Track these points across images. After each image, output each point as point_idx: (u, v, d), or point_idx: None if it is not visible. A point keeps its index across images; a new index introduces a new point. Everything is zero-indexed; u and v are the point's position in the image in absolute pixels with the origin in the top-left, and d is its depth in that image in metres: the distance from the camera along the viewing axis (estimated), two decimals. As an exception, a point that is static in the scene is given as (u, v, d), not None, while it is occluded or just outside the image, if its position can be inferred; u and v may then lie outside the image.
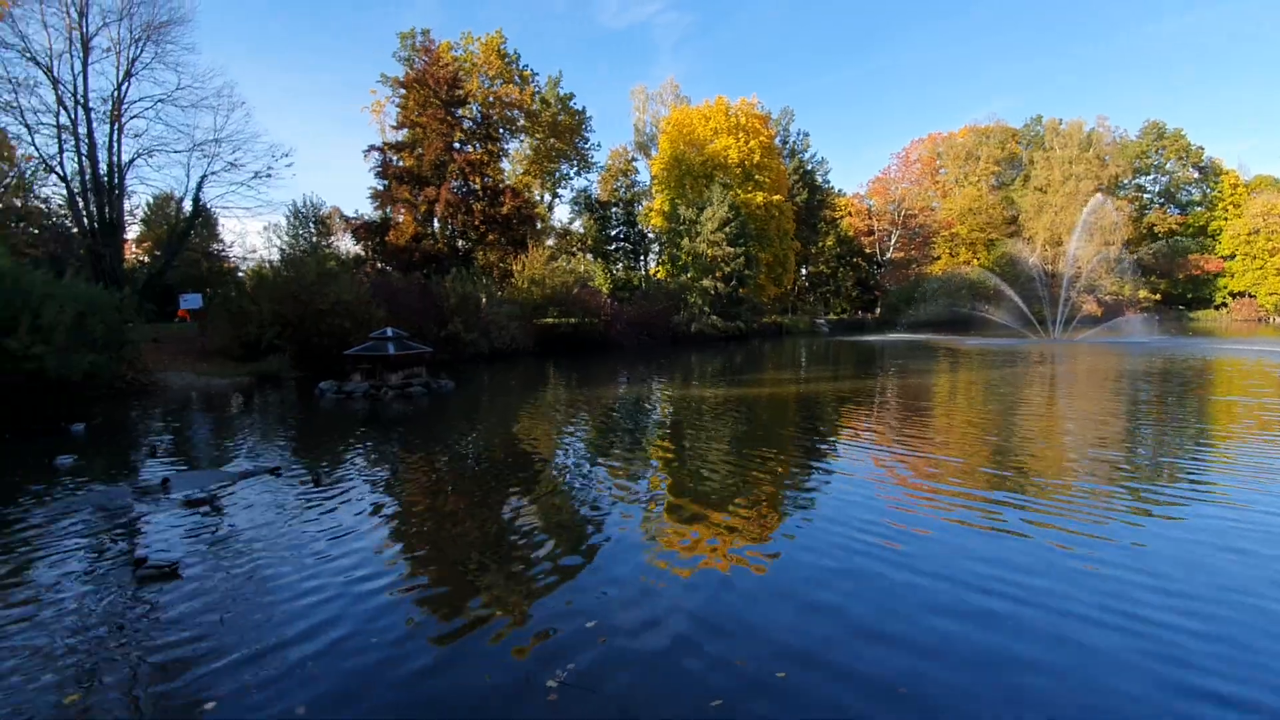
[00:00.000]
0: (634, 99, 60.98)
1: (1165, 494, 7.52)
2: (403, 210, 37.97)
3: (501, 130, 44.53)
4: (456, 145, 39.01)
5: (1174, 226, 71.24)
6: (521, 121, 48.39)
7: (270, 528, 6.61)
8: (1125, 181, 69.11)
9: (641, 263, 60.74)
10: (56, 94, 25.41)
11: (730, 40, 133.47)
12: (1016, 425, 12.37)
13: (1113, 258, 59.41)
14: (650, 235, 57.89)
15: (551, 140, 51.33)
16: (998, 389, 17.85)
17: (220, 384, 19.73)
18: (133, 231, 35.61)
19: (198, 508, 7.31)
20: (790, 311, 60.23)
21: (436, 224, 39.02)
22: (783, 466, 9.25)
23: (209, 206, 31.31)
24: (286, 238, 41.24)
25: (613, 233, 58.78)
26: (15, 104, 24.64)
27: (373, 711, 3.59)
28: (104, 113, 26.80)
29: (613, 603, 4.89)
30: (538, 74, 48.81)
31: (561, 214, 77.71)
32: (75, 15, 25.28)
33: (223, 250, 37.24)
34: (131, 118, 27.59)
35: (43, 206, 27.99)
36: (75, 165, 26.46)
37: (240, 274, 32.88)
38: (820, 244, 66.44)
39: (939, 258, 68.44)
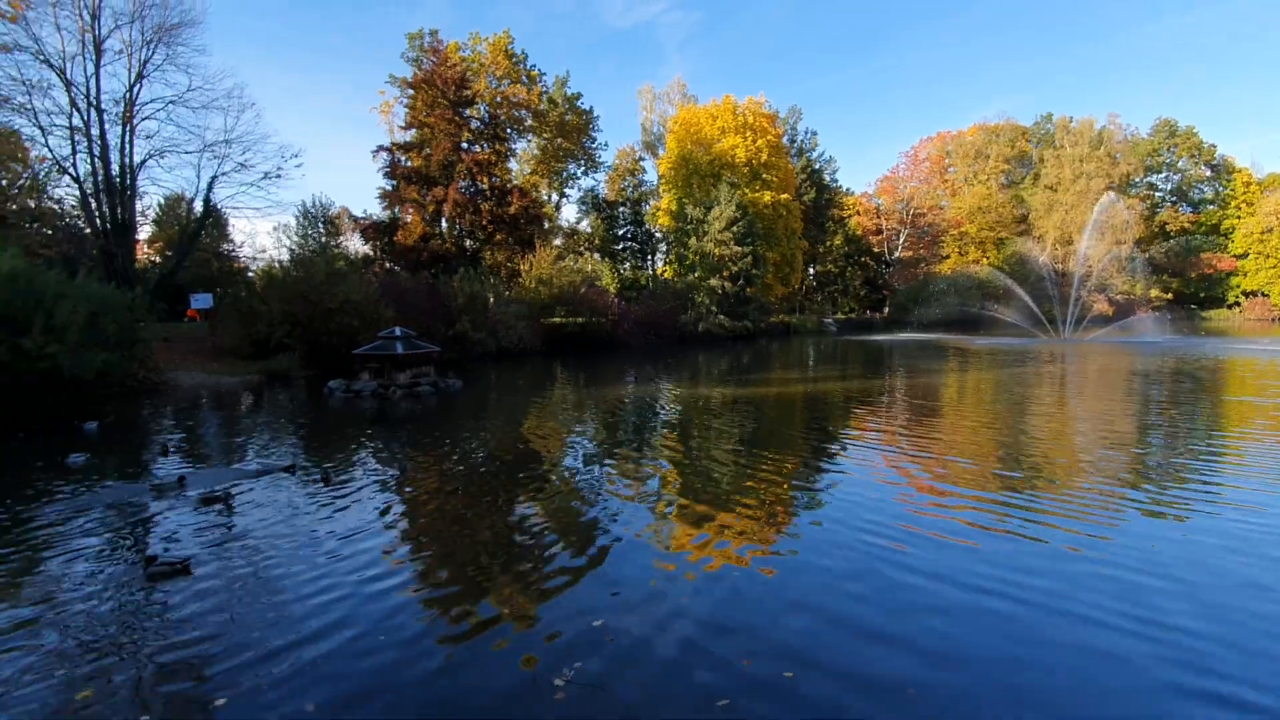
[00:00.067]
0: (641, 98, 61.11)
1: (1177, 496, 7.45)
2: (411, 210, 38.13)
3: (509, 130, 44.67)
4: (464, 145, 39.13)
5: (1186, 225, 70.60)
6: (529, 121, 48.52)
7: (282, 526, 6.65)
8: (1137, 180, 68.54)
9: (649, 262, 60.76)
10: (70, 96, 25.66)
11: (736, 39, 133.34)
12: (1026, 426, 12.29)
13: (1124, 256, 58.95)
14: (657, 235, 57.90)
15: (559, 140, 51.43)
16: (1008, 389, 17.74)
17: (230, 383, 19.87)
18: (144, 232, 35.97)
19: (213, 505, 7.37)
20: (798, 311, 60.12)
21: (444, 224, 39.17)
22: (790, 467, 9.23)
23: (219, 207, 31.56)
24: (296, 238, 41.34)
25: (620, 232, 58.81)
26: (29, 106, 24.91)
27: (383, 710, 3.61)
28: (116, 114, 27.06)
29: (620, 603, 4.90)
30: (545, 74, 49.02)
31: (569, 214, 77.98)
32: (88, 18, 25.52)
33: (233, 250, 37.50)
34: (143, 119, 27.85)
35: (56, 208, 28.23)
36: (88, 166, 26.73)
37: (250, 274, 33.14)
38: (828, 243, 66.25)
39: (948, 257, 68.10)
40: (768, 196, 49.37)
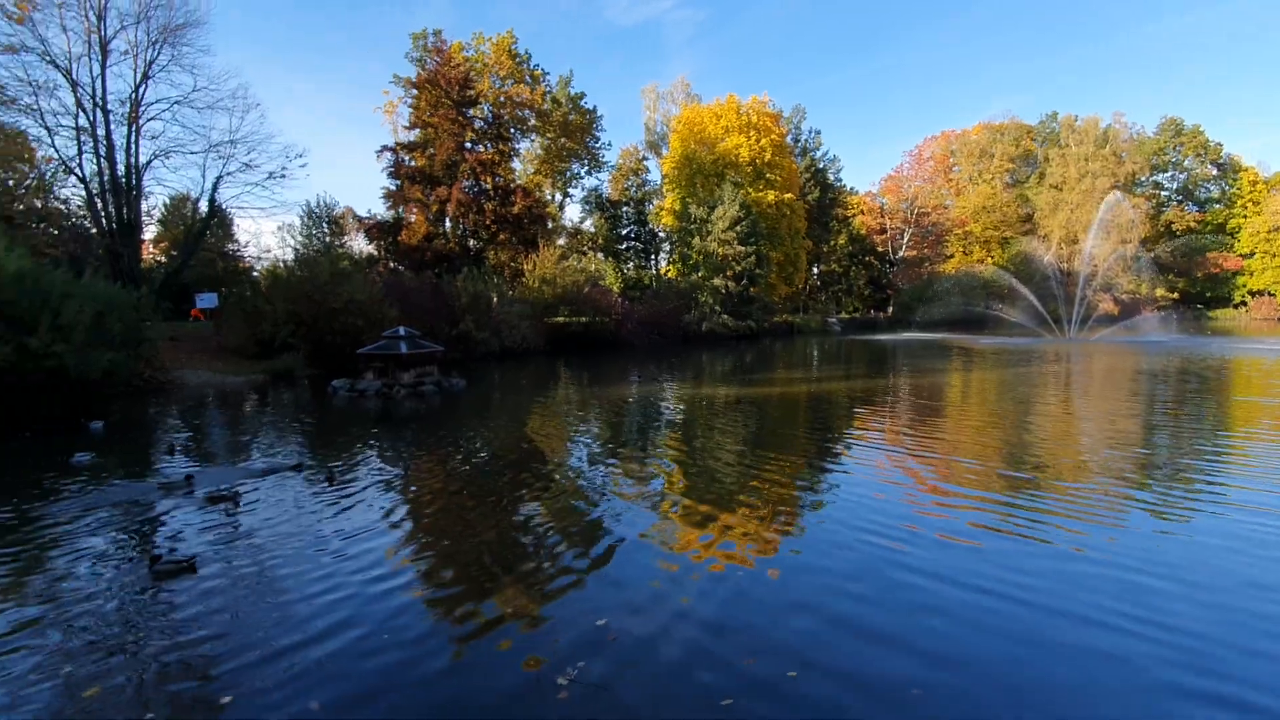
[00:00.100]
0: (645, 98, 61.13)
1: (1182, 496, 7.42)
2: (415, 210, 38.20)
3: (512, 130, 44.69)
4: (468, 145, 39.19)
5: (1192, 224, 70.24)
6: (532, 121, 48.57)
7: (288, 525, 6.68)
8: (1142, 178, 68.19)
9: (652, 262, 60.73)
10: (76, 97, 25.76)
11: (741, 37, 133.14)
12: (1031, 426, 12.26)
13: (1129, 256, 58.70)
14: (661, 234, 57.88)
15: (562, 140, 51.47)
16: (1012, 389, 17.70)
17: (235, 382, 19.95)
18: (150, 232, 35.98)
19: (220, 504, 7.41)
20: (802, 310, 60.07)
21: (448, 223, 39.23)
22: (794, 467, 9.23)
23: (224, 207, 31.64)
24: (300, 238, 41.63)
25: (623, 232, 58.80)
26: (36, 106, 25.01)
27: (388, 711, 3.62)
28: (122, 115, 27.15)
29: (624, 602, 4.91)
30: (549, 73, 49.03)
31: (572, 213, 77.76)
32: (94, 19, 25.61)
33: (238, 250, 37.64)
34: (149, 119, 27.93)
35: (62, 207, 28.38)
36: (94, 167, 26.83)
37: (255, 274, 33.20)
38: (832, 242, 66.12)
39: (952, 256, 67.92)
40: (771, 196, 49.31)
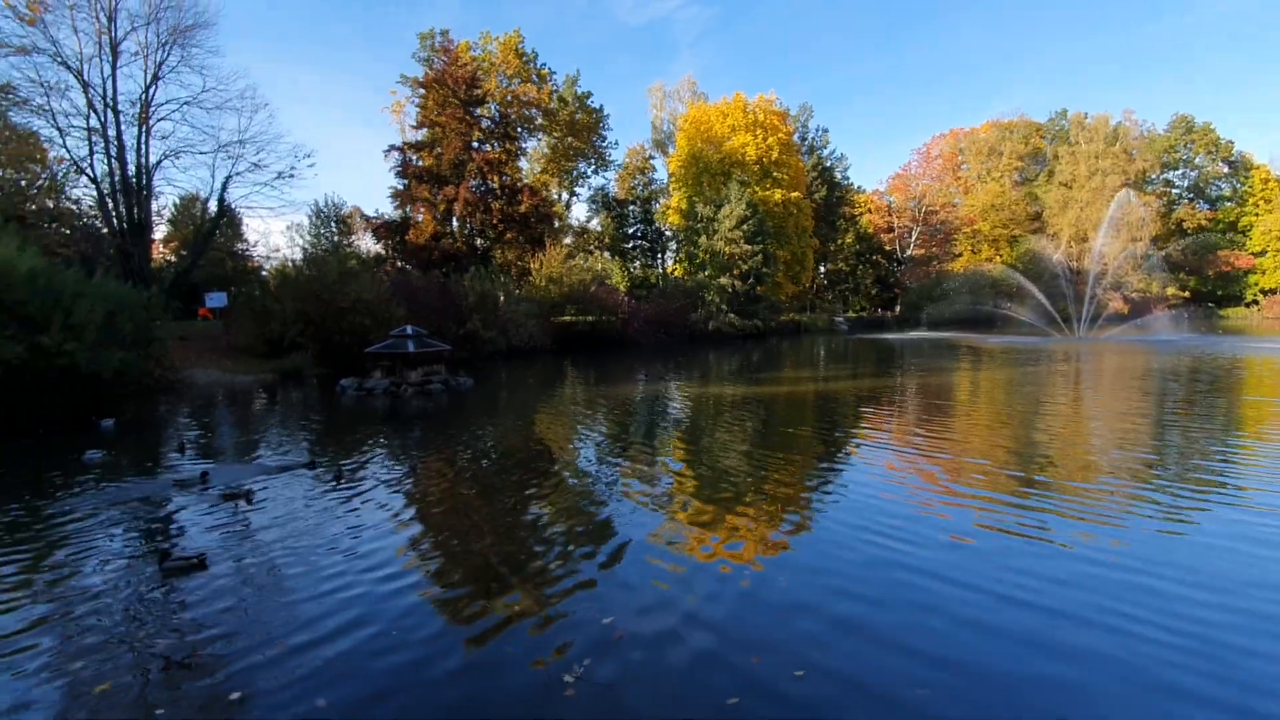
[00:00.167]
0: (651, 96, 61.08)
1: (1193, 497, 7.35)
2: (422, 209, 38.35)
3: (519, 129, 44.78)
4: (475, 144, 39.30)
5: (1203, 222, 69.58)
6: (539, 120, 48.60)
7: (298, 523, 6.71)
8: (1153, 176, 67.63)
9: (659, 261, 60.74)
10: (87, 97, 26.02)
11: (748, 36, 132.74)
12: (1040, 425, 12.19)
13: (1140, 254, 58.21)
14: (667, 233, 57.88)
15: (569, 139, 51.52)
16: (1021, 388, 17.59)
17: (245, 381, 20.08)
18: (160, 231, 36.38)
19: (234, 501, 7.47)
20: (808, 309, 59.93)
21: (455, 223, 39.35)
22: (801, 467, 9.21)
23: (233, 207, 31.91)
24: (309, 237, 41.86)
25: (630, 231, 58.84)
26: (48, 107, 25.31)
27: (396, 709, 3.63)
28: (132, 115, 27.41)
29: (631, 602, 4.90)
30: (555, 73, 49.11)
31: (579, 212, 77.77)
32: (104, 20, 25.85)
33: (247, 249, 37.91)
34: (159, 120, 28.21)
35: (74, 207, 28.66)
36: (105, 167, 27.11)
37: (264, 273, 33.47)
38: (839, 241, 65.95)
39: (961, 255, 67.56)
40: (778, 194, 49.20)
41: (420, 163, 38.74)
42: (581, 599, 4.96)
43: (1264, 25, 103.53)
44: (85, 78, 25.76)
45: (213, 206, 31.53)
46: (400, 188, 38.86)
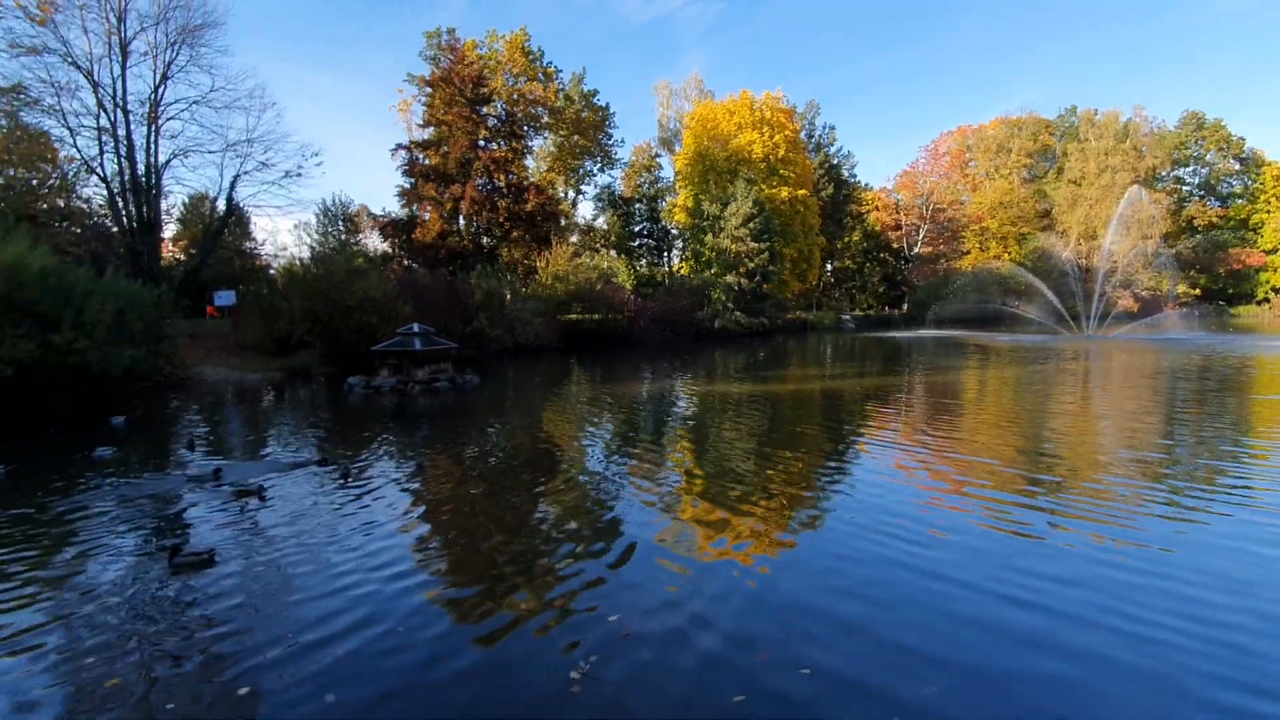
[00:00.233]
0: (658, 94, 60.98)
1: (1203, 497, 7.30)
2: (429, 208, 38.44)
3: (526, 127, 44.78)
4: (481, 143, 39.33)
5: (1214, 219, 68.98)
6: (545, 118, 48.64)
7: (307, 520, 6.75)
8: (1163, 173, 67.07)
9: (665, 259, 60.67)
10: (97, 97, 26.15)
11: (754, 33, 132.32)
12: (1048, 425, 12.13)
13: (1150, 252, 57.75)
14: (674, 231, 57.77)
15: (575, 137, 51.51)
16: (1029, 387, 17.51)
17: (253, 378, 20.20)
18: (169, 230, 36.49)
19: (247, 498, 7.52)
20: (815, 307, 59.74)
21: (462, 221, 39.43)
22: (807, 466, 9.20)
23: (242, 205, 32.00)
24: (316, 236, 42.01)
25: (636, 229, 58.76)
26: (58, 107, 25.43)
27: (404, 708, 3.65)
28: (142, 115, 27.54)
29: (638, 603, 4.91)
30: (561, 71, 49.09)
31: (585, 210, 78.01)
32: (114, 20, 25.98)
33: (255, 248, 38.09)
34: (168, 119, 28.32)
35: (84, 206, 28.81)
36: (115, 166, 27.24)
37: (272, 271, 33.61)
38: (846, 239, 65.69)
39: (968, 252, 67.15)
40: (785, 192, 49.07)
41: (427, 161, 38.82)
42: (589, 598, 4.97)
43: (1276, 20, 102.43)
44: (95, 78, 25.91)
45: (221, 205, 31.69)
46: (407, 186, 38.97)
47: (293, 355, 22.06)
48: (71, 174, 27.91)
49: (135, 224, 27.31)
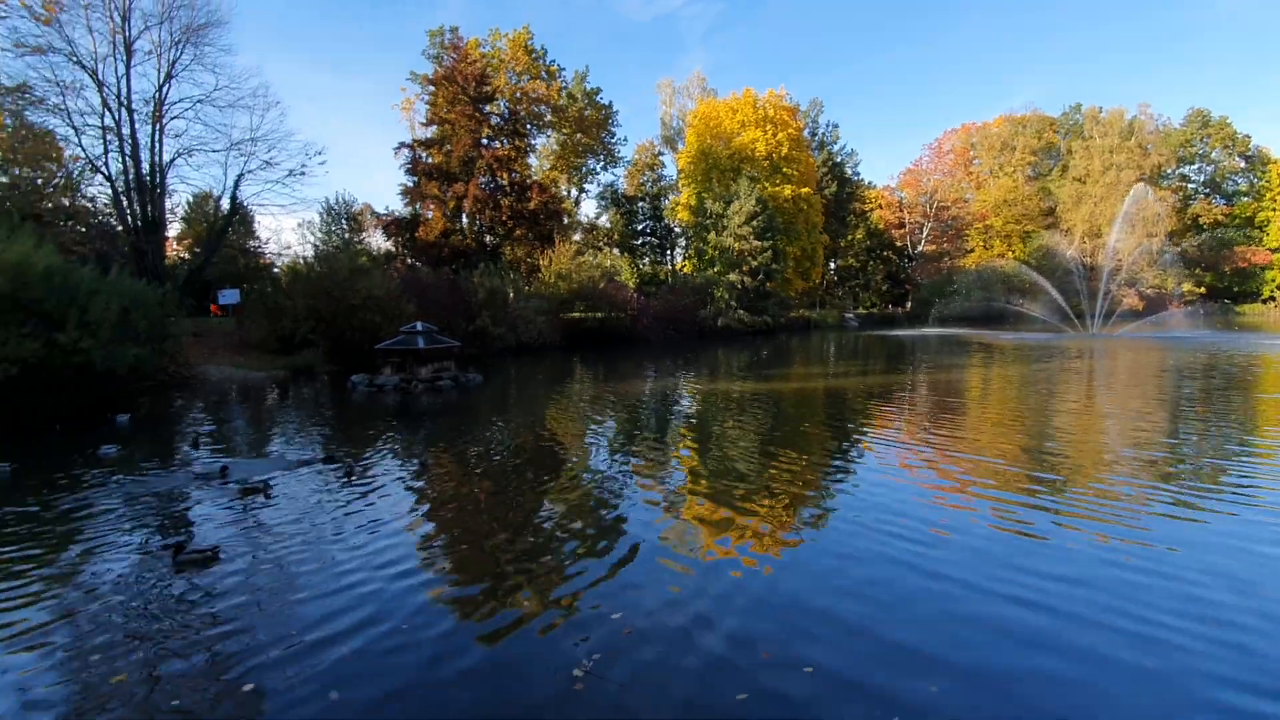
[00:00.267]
0: (660, 92, 60.92)
1: (1208, 497, 7.27)
2: (432, 206, 38.47)
3: (529, 126, 44.79)
4: (484, 141, 39.35)
5: (1219, 217, 68.69)
6: (548, 117, 48.64)
7: (311, 518, 6.76)
8: (1168, 171, 66.83)
9: (668, 257, 60.66)
10: (101, 96, 26.23)
11: (757, 31, 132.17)
12: (1052, 423, 12.09)
13: (1155, 250, 57.52)
14: (677, 229, 57.76)
15: (578, 135, 51.51)
16: (1033, 385, 17.46)
17: (257, 377, 20.24)
18: (173, 229, 36.68)
19: (253, 495, 7.55)
20: (818, 306, 59.68)
21: (465, 219, 39.45)
22: (810, 465, 9.19)
23: (246, 204, 32.10)
24: (320, 234, 42.13)
25: (639, 227, 58.75)
26: (63, 106, 25.54)
27: (408, 706, 3.66)
28: (146, 114, 27.63)
29: (641, 602, 4.91)
30: (564, 69, 49.10)
31: (588, 209, 78.02)
32: (118, 19, 26.05)
33: (259, 247, 38.15)
34: (172, 118, 28.40)
35: (89, 205, 28.92)
36: (119, 165, 27.34)
37: (276, 270, 33.68)
38: (849, 237, 65.61)
39: (972, 250, 67.01)
40: (788, 190, 48.99)
41: (430, 160, 38.85)
42: (592, 597, 4.97)
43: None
44: (100, 77, 26.00)
45: (225, 204, 31.78)
46: (410, 185, 39.00)
47: (296, 354, 22.10)
48: (76, 173, 28.03)
49: (140, 223, 27.40)
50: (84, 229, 27.80)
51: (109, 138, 26.73)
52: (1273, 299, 67.97)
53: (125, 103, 26.65)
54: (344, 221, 43.16)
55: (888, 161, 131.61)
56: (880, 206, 69.10)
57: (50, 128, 26.77)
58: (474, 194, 37.33)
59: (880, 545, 5.90)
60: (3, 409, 12.57)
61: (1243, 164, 69.81)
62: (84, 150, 26.86)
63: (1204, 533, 6.12)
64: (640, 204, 58.25)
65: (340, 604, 4.82)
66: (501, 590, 5.13)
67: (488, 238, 40.04)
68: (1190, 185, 70.74)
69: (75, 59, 25.28)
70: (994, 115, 73.39)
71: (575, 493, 7.94)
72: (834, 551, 5.83)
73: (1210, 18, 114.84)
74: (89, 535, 6.38)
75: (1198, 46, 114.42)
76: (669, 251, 60.59)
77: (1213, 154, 69.84)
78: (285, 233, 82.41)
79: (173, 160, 28.72)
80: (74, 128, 26.06)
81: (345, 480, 8.27)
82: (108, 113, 26.43)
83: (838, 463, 9.40)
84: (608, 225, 58.39)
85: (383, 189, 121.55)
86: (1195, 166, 70.94)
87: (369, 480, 8.32)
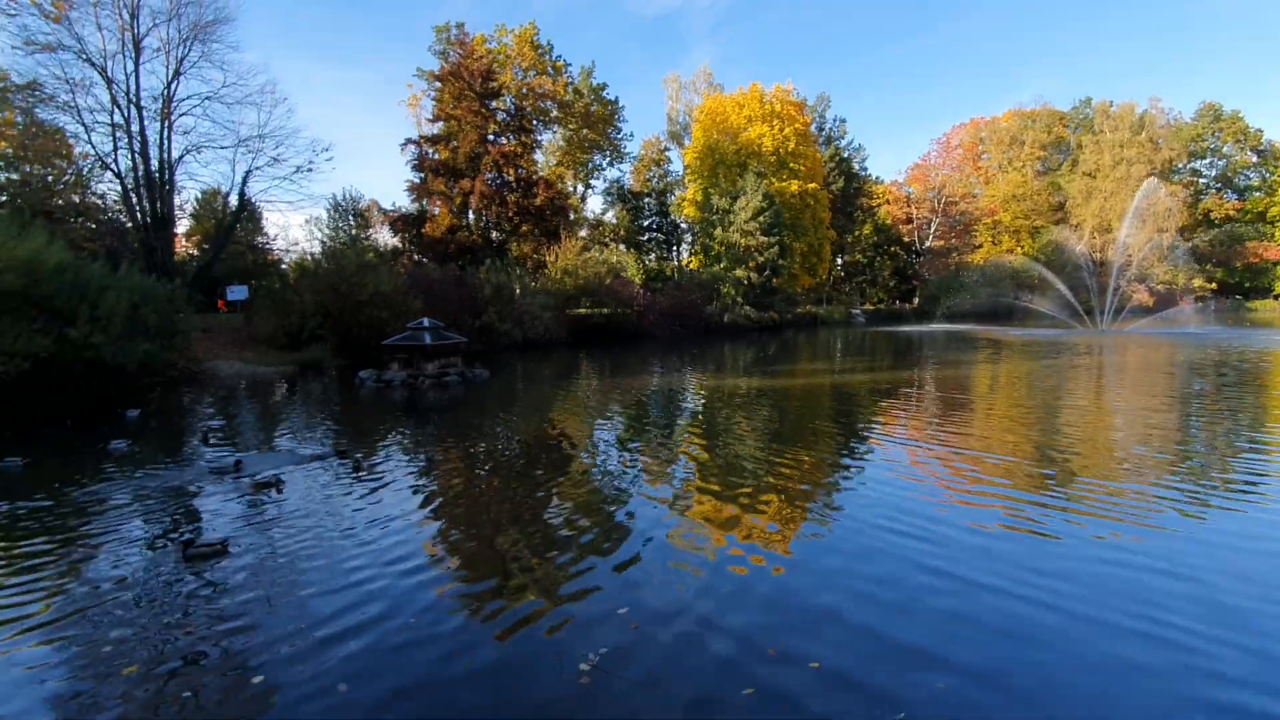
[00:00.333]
0: (667, 87, 60.68)
1: (1218, 495, 7.22)
2: (438, 202, 38.52)
3: (535, 121, 44.74)
4: (490, 137, 39.34)
5: (1231, 212, 67.90)
6: (554, 112, 48.56)
7: (320, 514, 6.80)
8: (1180, 165, 66.04)
9: (674, 253, 60.55)
10: (111, 94, 26.35)
11: (764, 25, 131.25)
12: (1060, 420, 12.02)
13: (1166, 245, 56.89)
14: (683, 225, 57.64)
15: (584, 131, 51.41)
16: (1043, 382, 17.36)
17: (266, 372, 20.35)
18: (182, 225, 36.75)
19: (267, 489, 7.60)
20: (825, 302, 59.46)
21: (471, 216, 39.48)
22: (816, 462, 9.17)
23: (253, 200, 32.22)
24: (327, 230, 42.17)
25: (645, 223, 58.64)
26: (73, 104, 25.68)
27: (416, 700, 3.68)
28: (155, 111, 27.74)
29: (647, 600, 4.92)
30: (570, 65, 48.99)
31: (594, 205, 77.70)
32: (127, 17, 26.14)
33: (267, 243, 38.28)
34: (180, 115, 28.52)
35: (99, 202, 29.09)
36: (129, 162, 27.49)
37: (284, 266, 33.82)
38: (857, 233, 65.28)
39: (981, 246, 66.52)
40: (795, 186, 48.78)
41: (436, 156, 38.88)
42: (600, 594, 4.98)
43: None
44: (109, 74, 26.11)
45: (233, 200, 31.92)
46: (417, 181, 39.05)
47: (304, 349, 22.23)
48: (86, 170, 28.19)
49: (149, 219, 27.54)
50: (94, 225, 27.98)
51: (118, 134, 26.89)
52: (1285, 295, 67.26)
53: (134, 100, 26.78)
54: (351, 218, 43.21)
55: (895, 156, 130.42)
56: (888, 202, 68.72)
57: (60, 125, 26.96)
58: (480, 190, 37.34)
59: (888, 543, 5.89)
60: (14, 404, 12.69)
61: (1255, 158, 68.95)
62: (94, 147, 27.06)
63: (1214, 531, 6.07)
64: (646, 200, 58.12)
65: (350, 600, 4.85)
66: (510, 587, 5.14)
67: (494, 234, 40.07)
68: (1201, 180, 69.94)
69: (85, 56, 25.41)
70: (1003, 110, 73.08)
71: (583, 489, 7.95)
72: (841, 549, 5.82)
73: (1222, 10, 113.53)
74: (100, 529, 6.44)
75: (1209, 39, 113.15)
76: (675, 247, 60.49)
77: (1224, 148, 69.03)
78: (293, 229, 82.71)
79: (181, 157, 28.89)
80: (84, 125, 26.23)
81: (355, 475, 8.32)
82: (117, 110, 26.58)
83: (845, 460, 9.38)
84: (614, 221, 58.29)
85: (390, 185, 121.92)
86: (1207, 161, 70.13)
87: (378, 476, 8.36)
